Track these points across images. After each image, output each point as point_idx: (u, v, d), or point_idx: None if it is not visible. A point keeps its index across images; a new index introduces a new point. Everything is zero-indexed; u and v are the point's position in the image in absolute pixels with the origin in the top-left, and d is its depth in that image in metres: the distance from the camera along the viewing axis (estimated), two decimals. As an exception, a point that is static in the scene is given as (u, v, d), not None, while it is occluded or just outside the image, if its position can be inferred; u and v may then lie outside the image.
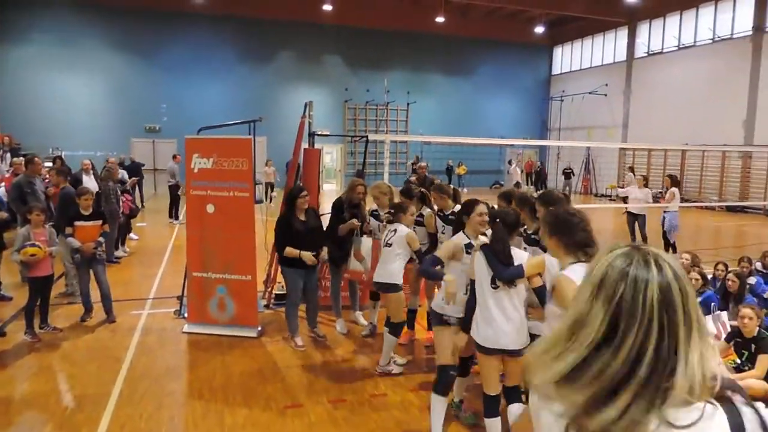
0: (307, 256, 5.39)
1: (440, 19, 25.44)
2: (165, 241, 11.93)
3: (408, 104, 27.75)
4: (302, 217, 5.56)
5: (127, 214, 9.92)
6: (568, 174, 25.59)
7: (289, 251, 5.41)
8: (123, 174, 11.11)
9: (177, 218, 13.96)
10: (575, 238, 2.75)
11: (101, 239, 6.31)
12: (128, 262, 9.57)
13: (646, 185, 11.58)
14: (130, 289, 7.73)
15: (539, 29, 27.22)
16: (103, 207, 8.71)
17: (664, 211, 11.04)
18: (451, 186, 5.59)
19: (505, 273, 3.35)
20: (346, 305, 6.42)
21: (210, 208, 5.78)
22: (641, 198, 11.18)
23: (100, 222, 6.35)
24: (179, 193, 13.66)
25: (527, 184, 25.39)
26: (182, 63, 24.53)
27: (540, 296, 3.23)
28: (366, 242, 5.85)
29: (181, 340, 5.73)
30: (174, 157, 15.33)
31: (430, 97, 28.25)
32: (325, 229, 5.91)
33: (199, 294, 5.91)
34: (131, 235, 11.08)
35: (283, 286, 6.99)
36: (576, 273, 2.61)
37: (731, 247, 12.88)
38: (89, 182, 10.21)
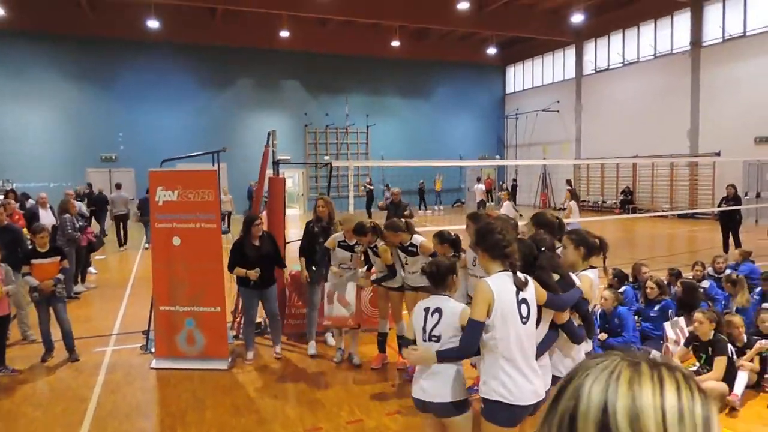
0: (251, 273, 5.71)
1: (396, 43, 25.92)
2: (126, 273, 11.68)
3: (368, 127, 28.02)
4: (256, 243, 5.85)
5: (86, 246, 9.67)
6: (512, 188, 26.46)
7: (237, 270, 5.80)
8: (80, 206, 10.82)
9: (125, 243, 14.61)
10: (503, 252, 2.83)
11: (60, 276, 6.15)
12: (89, 297, 9.32)
13: (573, 198, 11.92)
14: (93, 326, 7.52)
15: (491, 50, 28.01)
16: (59, 240, 8.50)
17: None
18: (402, 220, 5.62)
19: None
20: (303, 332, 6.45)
21: (176, 241, 5.73)
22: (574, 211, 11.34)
23: (58, 258, 6.20)
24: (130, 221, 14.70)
25: (489, 201, 25.90)
26: (139, 91, 24.19)
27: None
28: (351, 288, 5.63)
29: (149, 376, 5.61)
30: (118, 186, 15.64)
31: (390, 119, 28.62)
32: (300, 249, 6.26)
33: (166, 328, 5.81)
34: (90, 268, 10.79)
35: (250, 317, 7.03)
36: (498, 281, 2.76)
37: (685, 252, 13.39)
38: (46, 217, 9.97)
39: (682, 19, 20.98)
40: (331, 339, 6.25)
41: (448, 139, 29.76)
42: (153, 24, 21.24)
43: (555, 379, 3.07)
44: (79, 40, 22.96)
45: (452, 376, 2.92)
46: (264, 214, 7.20)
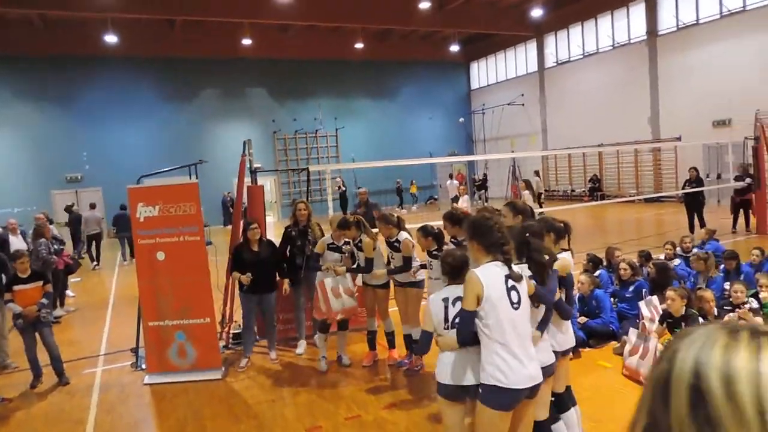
0: (243, 277, 5.89)
1: (359, 45, 26.08)
2: (104, 293, 11.59)
3: (337, 130, 28.10)
4: (255, 248, 6.02)
5: (63, 269, 9.56)
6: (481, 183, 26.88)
7: (234, 275, 6.01)
8: (53, 229, 10.67)
9: (98, 263, 14.93)
10: (492, 240, 3.00)
11: (44, 301, 6.11)
12: (70, 320, 9.22)
13: (528, 189, 12.69)
14: (78, 348, 7.46)
15: (454, 48, 28.40)
16: (33, 265, 8.39)
17: None
18: (395, 215, 5.74)
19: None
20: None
21: (160, 256, 5.76)
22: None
23: (40, 283, 6.16)
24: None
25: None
26: (101, 108, 23.76)
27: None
28: (349, 279, 5.62)
29: (143, 393, 5.64)
30: (92, 206, 15.84)
31: (358, 121, 28.74)
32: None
33: (156, 343, 5.84)
34: (68, 291, 10.65)
35: (240, 325, 7.09)
36: (487, 270, 2.91)
37: (653, 235, 13.85)
38: (18, 243, 9.80)
39: (638, 10, 21.63)
40: (300, 350, 6.34)
41: (417, 138, 30.05)
42: (111, 39, 20.96)
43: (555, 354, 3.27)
44: (33, 59, 22.44)
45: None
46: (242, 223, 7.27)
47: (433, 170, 30.33)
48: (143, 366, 6.29)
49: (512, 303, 2.91)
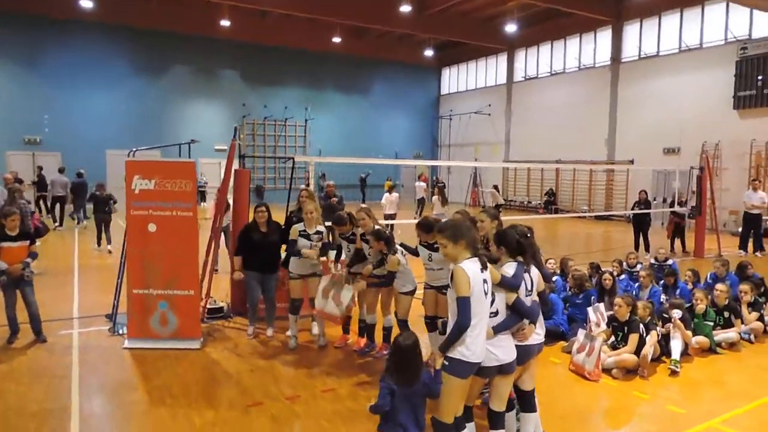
0: (236, 275, 6.41)
1: (336, 39, 26.35)
2: (67, 260, 11.59)
3: (306, 120, 28.29)
4: (263, 229, 6.36)
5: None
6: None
7: (236, 259, 6.42)
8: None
9: (61, 224, 16.02)
10: (472, 238, 3.56)
11: (29, 260, 6.28)
12: (36, 283, 9.22)
13: (439, 195, 14.01)
14: (48, 310, 7.50)
15: (428, 52, 29.03)
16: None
17: None
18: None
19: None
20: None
21: (152, 227, 6.03)
22: None
23: (27, 242, 6.32)
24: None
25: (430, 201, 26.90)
26: (67, 72, 23.22)
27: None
28: (347, 293, 5.80)
29: (124, 356, 5.90)
30: (61, 170, 17.07)
31: (328, 113, 29.01)
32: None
33: (139, 310, 6.11)
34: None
35: (216, 301, 7.42)
36: (470, 265, 3.43)
37: (600, 250, 14.78)
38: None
39: (605, 36, 22.77)
40: (315, 328, 6.60)
41: (384, 136, 30.58)
42: (86, 3, 20.51)
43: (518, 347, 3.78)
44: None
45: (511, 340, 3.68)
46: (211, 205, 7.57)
47: (397, 170, 30.88)
48: (120, 331, 6.54)
49: (485, 293, 3.45)
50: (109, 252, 12.33)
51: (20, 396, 4.88)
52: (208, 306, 7.21)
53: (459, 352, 3.42)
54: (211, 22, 24.21)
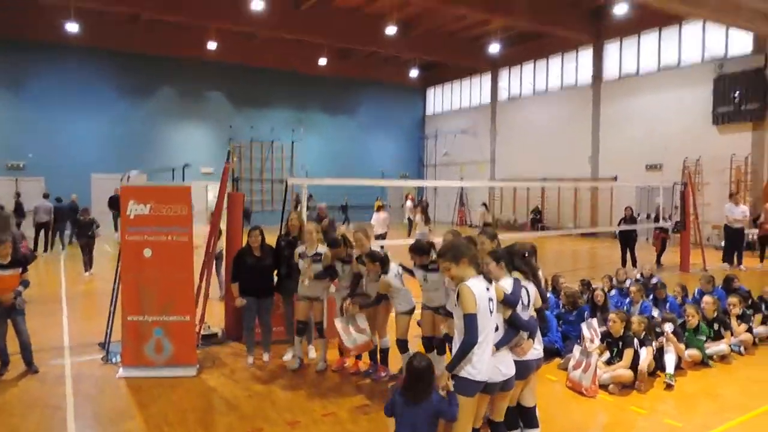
0: (237, 301, 6.36)
1: (323, 61, 26.61)
2: (53, 287, 11.44)
3: (293, 142, 28.38)
4: (257, 254, 6.32)
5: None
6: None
7: (233, 286, 6.37)
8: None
9: (47, 250, 15.95)
10: (476, 257, 3.65)
11: (20, 288, 6.21)
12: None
13: (422, 213, 14.60)
14: (39, 339, 7.36)
15: (414, 72, 29.41)
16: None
17: None
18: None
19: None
20: (282, 340, 6.88)
21: (147, 253, 6.01)
22: None
23: (19, 270, 6.25)
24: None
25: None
26: (51, 96, 23.13)
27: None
28: (361, 319, 5.88)
29: (119, 385, 5.82)
30: (45, 195, 17.07)
31: (315, 134, 29.14)
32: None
33: (134, 337, 6.04)
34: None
35: (210, 327, 7.37)
36: (475, 283, 3.49)
37: (587, 267, 14.94)
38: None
39: (586, 56, 23.28)
40: (312, 352, 6.61)
41: (371, 157, 30.77)
42: (72, 27, 20.52)
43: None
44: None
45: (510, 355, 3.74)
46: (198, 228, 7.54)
47: (383, 190, 30.99)
48: (114, 360, 6.46)
49: (490, 311, 3.50)
50: (87, 275, 12.36)
51: (13, 428, 4.79)
52: (202, 332, 7.15)
53: (466, 371, 3.46)
54: (197, 45, 24.32)
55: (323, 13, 22.03)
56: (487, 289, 3.55)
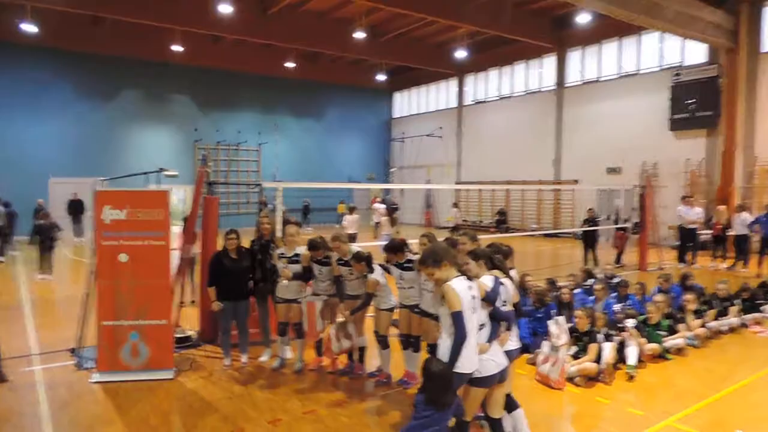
0: (215, 305, 6.36)
1: (290, 64, 26.59)
2: (11, 293, 11.16)
3: (260, 145, 28.25)
4: (233, 256, 6.40)
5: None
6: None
7: (209, 291, 6.36)
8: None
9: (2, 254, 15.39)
10: (456, 258, 3.88)
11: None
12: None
13: (387, 215, 14.93)
14: (3, 348, 7.28)
15: (381, 76, 29.66)
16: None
17: None
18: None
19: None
20: (257, 341, 6.96)
21: (123, 257, 6.01)
22: None
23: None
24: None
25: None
26: (6, 97, 22.36)
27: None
28: (351, 327, 6.02)
29: (95, 390, 5.80)
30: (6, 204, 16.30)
31: (282, 137, 29.05)
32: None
33: (110, 342, 6.03)
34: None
35: (184, 330, 7.39)
36: (458, 283, 3.70)
37: (551, 266, 15.38)
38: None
39: (549, 62, 23.93)
40: (288, 353, 6.68)
41: (338, 160, 30.86)
42: (29, 28, 19.97)
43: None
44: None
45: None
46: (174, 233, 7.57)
47: (351, 193, 31.13)
48: (87, 365, 6.42)
49: (473, 309, 3.70)
50: (40, 278, 12.23)
51: (-9, 436, 4.77)
52: (176, 335, 7.15)
53: (455, 366, 3.65)
54: (162, 47, 23.98)
55: (291, 17, 22.03)
56: (470, 287, 3.74)
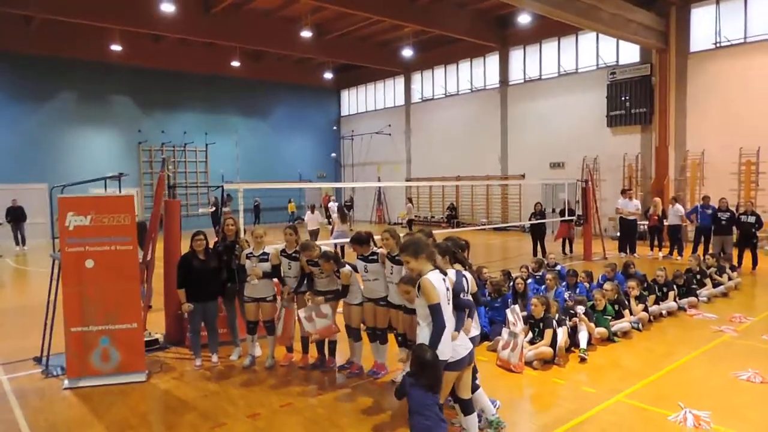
0: (184, 306, 6.46)
1: (235, 63, 26.29)
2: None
3: (207, 145, 27.82)
4: (201, 257, 6.49)
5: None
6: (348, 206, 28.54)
7: (179, 292, 6.46)
8: None
9: None
10: (433, 254, 4.20)
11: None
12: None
13: (338, 213, 15.22)
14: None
15: (327, 75, 29.74)
16: None
17: None
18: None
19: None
20: (226, 341, 7.07)
21: (89, 263, 6.00)
22: None
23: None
24: None
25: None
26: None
27: None
28: (326, 306, 6.11)
29: (68, 396, 5.79)
30: None
31: (229, 137, 28.68)
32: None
33: (78, 348, 6.01)
34: None
35: (150, 333, 7.39)
36: (434, 276, 4.01)
37: (501, 259, 16.02)
38: None
39: (493, 61, 24.68)
40: (258, 350, 6.81)
41: (287, 159, 30.76)
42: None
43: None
44: None
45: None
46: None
47: (302, 192, 31.12)
48: (55, 372, 6.37)
49: (448, 299, 4.02)
50: None
51: (-34, 446, 4.72)
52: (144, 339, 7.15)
53: (441, 353, 3.94)
54: (99, 47, 23.19)
55: (235, 16, 21.77)
56: (444, 280, 4.06)
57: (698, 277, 10.15)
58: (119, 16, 19.72)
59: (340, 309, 6.29)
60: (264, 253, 6.44)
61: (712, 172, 17.78)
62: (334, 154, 32.50)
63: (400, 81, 29.79)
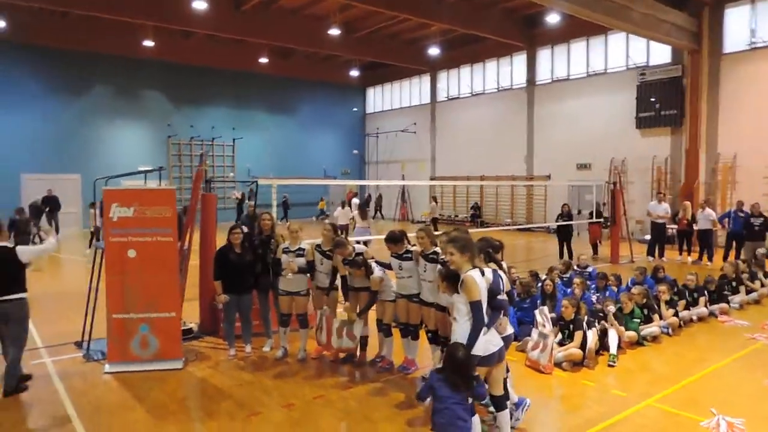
0: (220, 298, 6.63)
1: (264, 60, 26.58)
2: None
3: (234, 140, 28.19)
4: (238, 251, 6.64)
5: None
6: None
7: (216, 284, 6.62)
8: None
9: None
10: (475, 257, 4.30)
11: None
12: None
13: (359, 210, 15.04)
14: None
15: (354, 72, 29.88)
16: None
17: None
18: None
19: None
20: (258, 332, 7.23)
21: (131, 253, 6.21)
22: None
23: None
24: None
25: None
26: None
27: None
28: (358, 326, 6.30)
29: (108, 380, 6.01)
30: None
31: (256, 133, 29.06)
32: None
33: (120, 334, 6.24)
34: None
35: (185, 323, 7.60)
36: (476, 273, 4.11)
37: (525, 260, 15.97)
38: None
39: (520, 60, 24.55)
40: (267, 347, 7.03)
41: (312, 155, 31.02)
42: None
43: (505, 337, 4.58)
44: None
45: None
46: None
47: (326, 188, 31.35)
48: (96, 357, 6.60)
49: (485, 299, 4.11)
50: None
51: (17, 423, 4.94)
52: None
53: (476, 348, 4.06)
54: (133, 43, 23.70)
55: (264, 13, 22.04)
56: (484, 279, 4.16)
57: (733, 284, 10.00)
58: (152, 12, 20.11)
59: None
60: (300, 248, 6.59)
61: (744, 176, 17.48)
62: (356, 151, 32.69)
63: (426, 79, 29.80)
